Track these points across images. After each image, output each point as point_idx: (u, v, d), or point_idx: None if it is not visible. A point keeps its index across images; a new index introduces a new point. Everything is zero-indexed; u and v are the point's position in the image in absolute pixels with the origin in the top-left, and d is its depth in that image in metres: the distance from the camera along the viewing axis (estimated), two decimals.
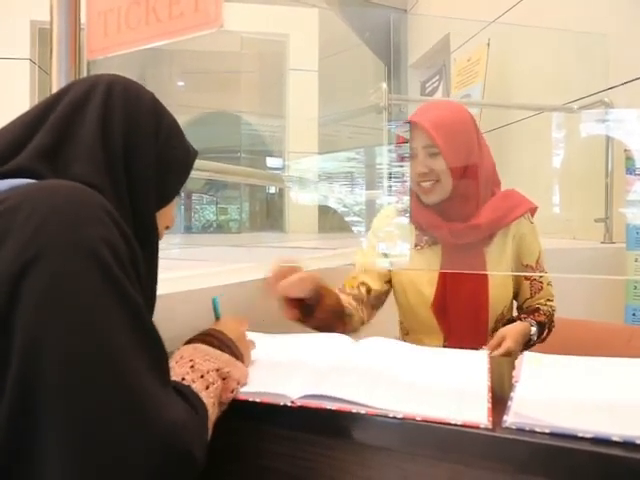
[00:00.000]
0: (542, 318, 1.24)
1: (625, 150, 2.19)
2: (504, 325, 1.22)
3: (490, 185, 1.25)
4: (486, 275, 1.21)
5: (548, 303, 1.29)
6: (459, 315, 1.20)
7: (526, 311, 1.27)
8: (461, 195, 1.20)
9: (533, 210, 1.28)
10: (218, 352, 0.70)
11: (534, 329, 1.20)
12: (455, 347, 1.12)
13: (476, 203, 1.21)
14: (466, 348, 1.08)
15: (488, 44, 3.34)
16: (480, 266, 1.21)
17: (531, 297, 1.28)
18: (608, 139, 2.52)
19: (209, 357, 0.67)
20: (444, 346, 1.20)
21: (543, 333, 1.25)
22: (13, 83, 4.14)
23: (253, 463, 0.73)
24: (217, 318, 0.88)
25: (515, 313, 1.31)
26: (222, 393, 0.66)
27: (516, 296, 1.30)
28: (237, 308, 0.91)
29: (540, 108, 2.96)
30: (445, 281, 1.21)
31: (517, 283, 1.28)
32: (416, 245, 1.27)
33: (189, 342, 0.73)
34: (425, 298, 1.22)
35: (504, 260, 1.23)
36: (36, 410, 0.45)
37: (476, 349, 1.08)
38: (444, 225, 1.21)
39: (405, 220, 1.30)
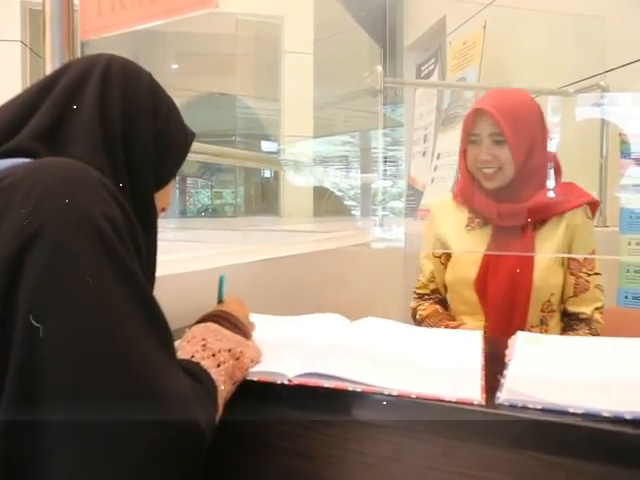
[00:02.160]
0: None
1: (620, 134, 2.19)
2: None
3: (548, 174, 1.24)
4: (532, 257, 1.20)
5: (595, 316, 1.22)
6: (498, 294, 1.20)
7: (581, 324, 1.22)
8: (521, 182, 1.20)
9: (593, 205, 1.25)
10: (230, 333, 0.71)
11: None
12: (493, 329, 1.17)
13: (534, 190, 1.21)
14: (504, 330, 1.12)
15: (484, 27, 3.31)
16: (528, 248, 1.20)
17: (575, 296, 1.23)
18: (603, 123, 2.52)
19: (221, 337, 0.68)
20: (484, 328, 1.20)
21: None
22: (4, 65, 4.08)
23: (250, 440, 0.74)
24: (220, 295, 0.89)
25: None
26: (236, 371, 0.67)
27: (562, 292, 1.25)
28: (234, 290, 0.92)
29: (536, 91, 2.94)
30: (489, 260, 1.22)
31: (564, 276, 1.23)
32: (467, 225, 1.29)
33: (199, 322, 0.74)
34: (469, 276, 1.24)
35: (554, 247, 1.21)
36: (39, 383, 0.46)
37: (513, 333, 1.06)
38: (495, 206, 1.23)
39: (460, 203, 1.33)
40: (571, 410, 0.59)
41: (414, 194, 3.80)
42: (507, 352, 0.78)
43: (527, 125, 1.19)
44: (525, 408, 0.61)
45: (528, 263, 1.19)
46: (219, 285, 0.90)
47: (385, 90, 2.66)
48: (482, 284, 1.22)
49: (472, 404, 0.62)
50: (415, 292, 1.40)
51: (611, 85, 2.43)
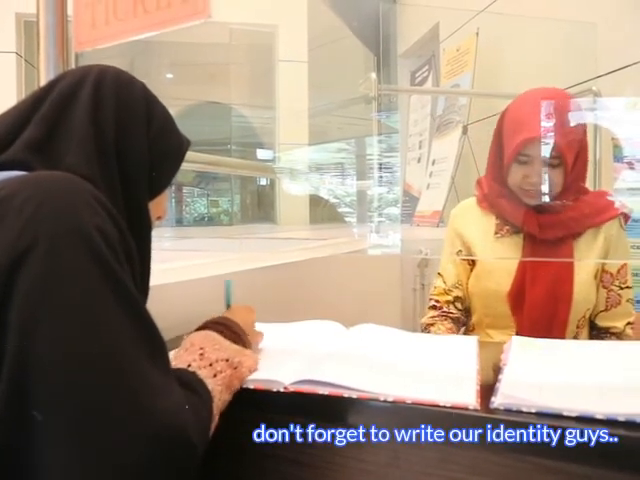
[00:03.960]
0: None
1: (613, 138, 2.21)
2: None
3: (584, 180, 1.18)
4: (572, 269, 1.13)
5: (627, 331, 1.16)
6: (536, 308, 1.12)
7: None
8: (561, 194, 1.14)
9: (626, 217, 1.19)
10: (228, 342, 0.71)
11: None
12: None
13: (571, 198, 1.15)
14: None
15: (477, 33, 3.34)
16: (567, 259, 1.13)
17: (606, 310, 1.18)
18: (596, 127, 2.53)
19: (219, 346, 0.68)
20: None
21: None
22: None
23: (245, 449, 0.74)
24: (228, 301, 0.89)
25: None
26: (234, 380, 0.67)
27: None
28: (233, 299, 0.92)
29: None
30: (525, 270, 1.14)
31: (596, 290, 1.17)
32: (496, 233, 1.21)
33: (200, 329, 0.74)
34: (501, 287, 1.16)
35: (592, 258, 1.15)
36: (32, 396, 0.46)
37: None
38: (534, 217, 1.15)
39: (485, 208, 1.25)
40: (565, 413, 0.59)
41: (410, 200, 3.81)
42: (502, 357, 0.78)
43: (580, 141, 1.11)
44: (520, 412, 0.61)
45: (568, 276, 1.13)
46: (226, 291, 0.90)
47: (379, 97, 2.68)
48: (518, 297, 1.14)
49: (467, 409, 0.63)
50: (432, 299, 1.28)
51: (603, 90, 2.45)
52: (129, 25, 1.02)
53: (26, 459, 0.46)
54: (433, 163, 3.51)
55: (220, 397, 0.62)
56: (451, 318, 1.25)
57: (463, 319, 1.28)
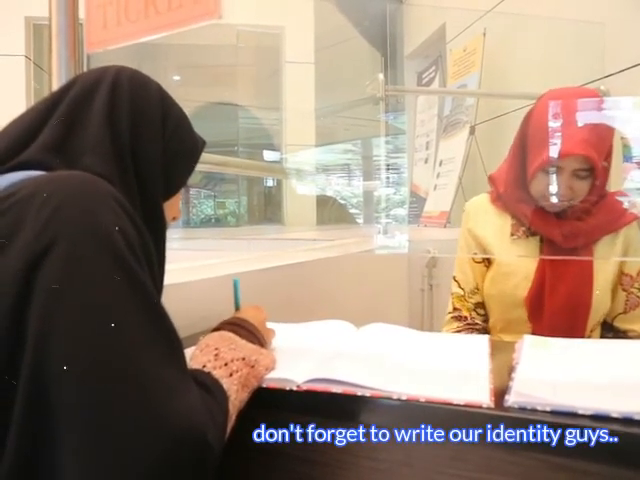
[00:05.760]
0: None
1: (622, 138, 2.19)
2: None
3: (606, 183, 1.15)
4: (592, 274, 1.11)
5: None
6: (555, 313, 1.10)
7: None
8: (583, 200, 1.10)
9: None
10: (244, 342, 0.71)
11: None
12: None
13: (592, 202, 1.12)
14: None
15: (484, 34, 3.33)
16: (588, 265, 1.11)
17: (624, 313, 1.16)
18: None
19: (235, 346, 0.68)
20: None
21: None
22: (9, 80, 4.12)
23: (255, 448, 0.74)
24: (236, 300, 0.89)
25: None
26: (251, 379, 0.67)
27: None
28: (241, 298, 0.93)
29: (537, 97, 2.95)
30: (544, 274, 1.11)
31: (612, 291, 1.15)
32: (512, 234, 1.17)
33: (215, 330, 0.74)
34: (518, 291, 1.13)
35: (614, 263, 1.13)
36: (49, 395, 0.46)
37: None
38: (556, 224, 1.11)
39: (500, 208, 1.21)
40: (580, 412, 0.59)
41: (417, 201, 3.81)
42: (514, 355, 0.78)
43: (610, 147, 1.07)
44: (534, 410, 0.61)
45: (588, 281, 1.11)
46: (234, 291, 0.90)
47: (386, 98, 2.68)
48: (536, 302, 1.11)
49: (481, 407, 0.63)
50: (456, 309, 1.22)
51: (612, 90, 2.44)
52: (141, 26, 1.03)
53: (43, 460, 0.47)
54: (440, 164, 3.50)
55: (237, 396, 0.62)
56: (477, 330, 1.21)
57: (486, 326, 1.24)
